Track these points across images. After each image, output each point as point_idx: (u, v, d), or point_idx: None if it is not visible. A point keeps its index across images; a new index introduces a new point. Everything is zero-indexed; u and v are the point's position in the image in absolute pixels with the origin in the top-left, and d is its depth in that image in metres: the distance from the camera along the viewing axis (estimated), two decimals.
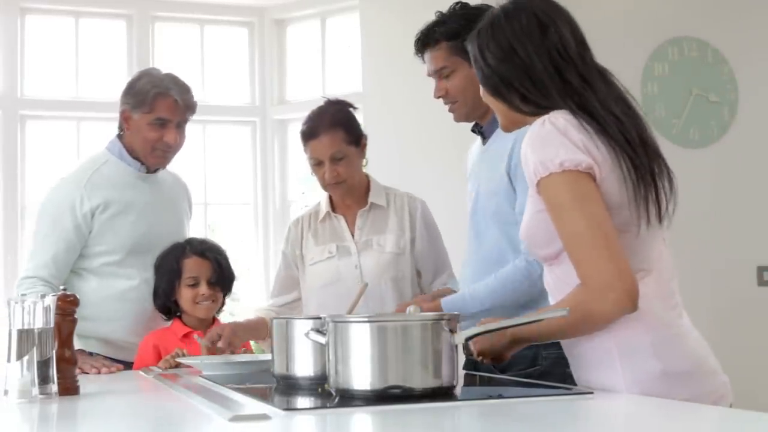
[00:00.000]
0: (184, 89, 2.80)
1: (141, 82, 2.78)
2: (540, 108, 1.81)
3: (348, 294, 2.52)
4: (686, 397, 1.66)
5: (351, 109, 2.78)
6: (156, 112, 2.75)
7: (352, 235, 2.75)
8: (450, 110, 2.42)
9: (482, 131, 2.42)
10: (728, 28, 4.59)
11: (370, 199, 2.76)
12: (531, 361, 2.21)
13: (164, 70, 2.88)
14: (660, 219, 1.77)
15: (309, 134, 2.71)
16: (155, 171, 2.86)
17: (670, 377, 1.70)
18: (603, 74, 1.85)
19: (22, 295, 2.13)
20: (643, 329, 1.71)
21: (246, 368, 2.30)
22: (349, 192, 2.76)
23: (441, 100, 2.43)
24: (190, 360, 2.38)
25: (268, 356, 2.34)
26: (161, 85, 2.75)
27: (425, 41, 2.40)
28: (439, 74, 2.39)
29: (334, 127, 2.68)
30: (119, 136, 2.85)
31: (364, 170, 2.83)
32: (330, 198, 2.83)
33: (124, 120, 2.80)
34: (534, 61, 1.81)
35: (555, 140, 1.72)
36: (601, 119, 1.75)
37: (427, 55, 2.42)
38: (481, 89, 1.93)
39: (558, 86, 1.80)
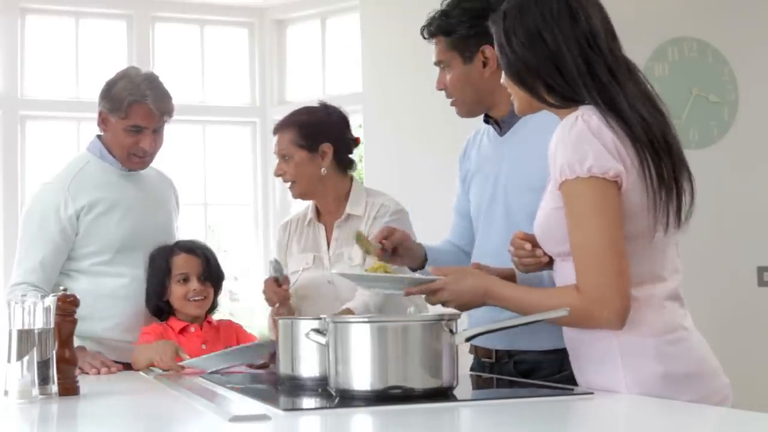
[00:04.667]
0: (161, 95, 2.77)
1: (118, 87, 2.75)
2: (566, 100, 1.78)
3: (325, 307, 2.55)
4: (688, 400, 1.66)
5: (330, 115, 2.77)
6: (131, 119, 2.73)
7: (328, 246, 2.74)
8: (451, 105, 2.35)
9: (499, 122, 2.32)
10: (728, 28, 4.59)
11: (347, 210, 2.73)
12: (558, 367, 2.13)
13: (144, 70, 2.84)
14: (679, 225, 1.76)
15: (273, 130, 2.80)
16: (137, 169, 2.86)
17: (672, 380, 1.70)
18: (631, 70, 1.81)
19: (23, 295, 2.12)
20: (647, 332, 1.71)
21: (246, 353, 2.31)
22: (304, 195, 2.78)
23: (443, 93, 2.35)
24: (190, 362, 2.38)
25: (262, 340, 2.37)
26: (137, 92, 2.72)
27: (425, 32, 2.31)
28: (438, 66, 2.32)
29: (289, 127, 2.74)
30: (99, 136, 2.84)
31: (360, 173, 2.82)
32: (314, 203, 2.82)
33: (102, 121, 2.79)
34: (563, 51, 1.76)
35: (586, 142, 1.69)
36: (628, 119, 1.71)
37: (433, 47, 2.33)
38: (503, 75, 1.88)
39: (586, 79, 1.76)
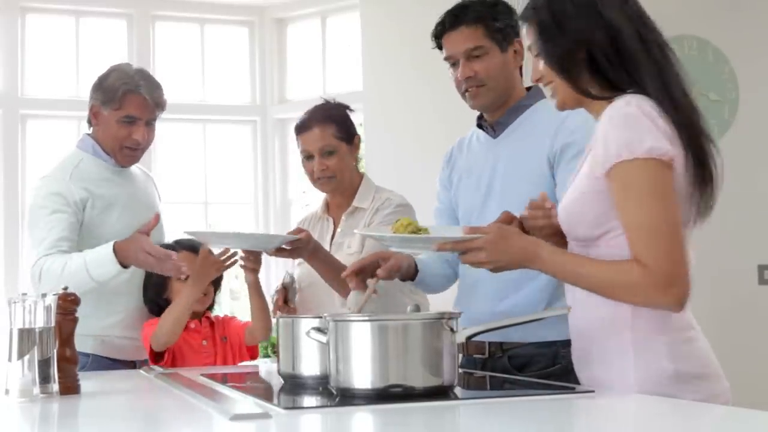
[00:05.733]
0: (154, 86, 2.77)
1: (111, 78, 2.75)
2: (609, 88, 1.74)
3: (324, 296, 2.59)
4: (695, 400, 1.65)
5: (347, 111, 2.78)
6: (125, 109, 2.72)
7: (332, 238, 2.75)
8: (472, 95, 2.33)
9: (493, 125, 2.36)
10: (729, 26, 4.58)
11: (354, 203, 2.74)
12: (552, 360, 2.18)
13: (135, 66, 2.85)
14: (703, 219, 1.75)
15: (301, 127, 2.73)
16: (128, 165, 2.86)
17: (681, 378, 1.69)
18: (674, 55, 1.79)
19: (23, 294, 2.10)
20: (661, 329, 1.70)
21: (257, 240, 2.53)
22: (339, 190, 2.75)
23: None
24: (198, 232, 2.57)
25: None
26: (131, 82, 2.73)
27: (461, 17, 2.30)
28: (467, 55, 2.30)
29: (326, 121, 2.69)
30: (89, 134, 2.82)
31: (361, 170, 2.83)
32: (326, 199, 2.83)
33: (93, 115, 2.78)
34: (621, 23, 1.73)
35: (643, 124, 1.67)
36: (679, 105, 1.70)
37: (455, 34, 2.31)
38: (542, 64, 1.82)
39: (643, 57, 1.73)
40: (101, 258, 2.52)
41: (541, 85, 1.88)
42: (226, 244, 2.59)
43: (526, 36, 1.88)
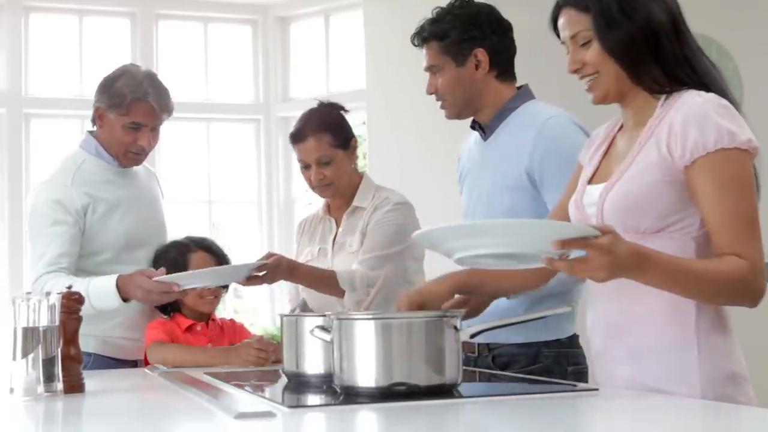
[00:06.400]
0: (162, 93, 2.76)
1: (119, 83, 2.73)
2: (666, 79, 1.71)
3: (326, 296, 2.59)
4: (740, 403, 1.63)
5: (342, 112, 2.77)
6: (132, 116, 2.71)
7: (335, 237, 2.75)
8: (441, 107, 2.40)
9: (483, 127, 2.38)
10: (733, 24, 4.58)
11: (354, 202, 2.74)
12: (532, 359, 2.22)
13: (144, 68, 2.83)
14: None
15: (296, 137, 2.71)
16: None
17: (736, 380, 1.68)
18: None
19: (27, 293, 2.10)
20: (720, 328, 1.68)
21: (224, 274, 2.50)
22: (338, 195, 2.75)
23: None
24: (167, 277, 2.44)
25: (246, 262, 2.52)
26: (139, 89, 2.71)
27: (415, 39, 2.39)
28: (430, 71, 2.37)
29: (321, 131, 2.67)
30: (92, 133, 2.82)
31: (363, 169, 2.82)
32: (327, 201, 2.83)
33: (98, 117, 2.77)
34: (676, 12, 1.73)
35: (738, 116, 1.67)
36: (733, 102, 1.70)
37: (424, 53, 2.39)
38: (591, 56, 1.75)
39: (698, 49, 1.73)
40: (104, 292, 2.52)
41: (578, 76, 1.80)
42: (197, 283, 2.53)
43: (567, 25, 1.79)
